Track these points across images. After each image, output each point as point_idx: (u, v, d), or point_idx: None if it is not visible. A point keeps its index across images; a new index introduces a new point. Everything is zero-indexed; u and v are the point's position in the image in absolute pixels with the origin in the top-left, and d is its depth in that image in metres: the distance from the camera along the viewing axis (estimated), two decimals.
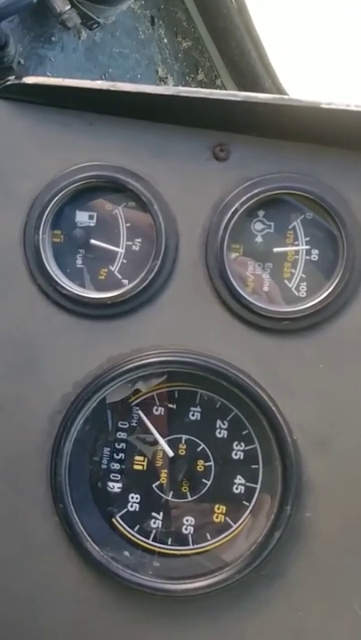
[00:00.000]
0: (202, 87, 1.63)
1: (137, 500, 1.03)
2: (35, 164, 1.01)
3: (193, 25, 1.57)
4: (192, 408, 1.03)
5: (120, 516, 1.03)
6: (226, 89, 1.63)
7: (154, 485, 1.03)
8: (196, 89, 0.94)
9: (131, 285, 1.00)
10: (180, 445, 1.03)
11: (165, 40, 1.53)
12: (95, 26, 1.27)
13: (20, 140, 1.01)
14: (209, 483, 1.02)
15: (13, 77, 0.99)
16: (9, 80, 0.98)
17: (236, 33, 1.39)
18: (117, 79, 1.39)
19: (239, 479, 1.02)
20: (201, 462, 1.02)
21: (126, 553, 1.01)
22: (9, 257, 1.01)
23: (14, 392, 1.01)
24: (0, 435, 1.01)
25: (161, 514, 1.03)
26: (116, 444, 1.04)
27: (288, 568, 0.98)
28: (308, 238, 1.00)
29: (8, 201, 1.01)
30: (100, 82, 0.96)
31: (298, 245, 1.00)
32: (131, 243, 1.03)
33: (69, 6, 1.15)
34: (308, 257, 1.00)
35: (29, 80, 0.98)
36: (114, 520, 1.03)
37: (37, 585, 1.01)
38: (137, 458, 1.04)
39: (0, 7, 1.01)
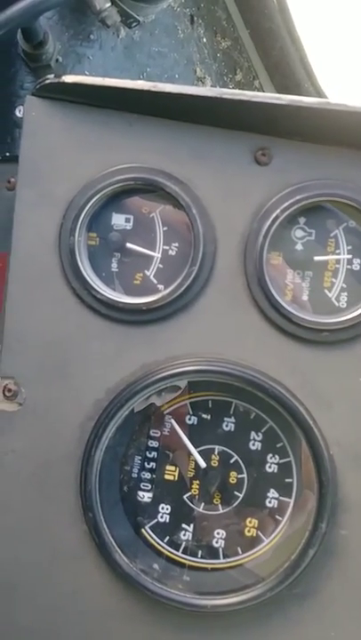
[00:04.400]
0: (240, 88, 1.60)
1: (167, 511, 1.01)
2: (72, 164, 0.99)
3: (232, 24, 1.55)
4: (226, 418, 1.00)
5: (150, 527, 1.01)
6: (264, 90, 1.60)
7: (185, 496, 1.01)
8: (239, 91, 0.92)
9: (167, 291, 0.97)
10: (213, 456, 1.00)
11: (204, 39, 1.50)
12: (135, 24, 1.25)
13: (57, 139, 1.00)
14: (241, 495, 1.00)
15: (52, 76, 0.97)
16: (48, 79, 0.96)
17: (280, 33, 1.36)
18: (155, 78, 1.37)
19: (272, 493, 0.99)
20: (234, 474, 1.00)
21: (155, 565, 0.99)
22: (44, 259, 0.99)
23: (46, 397, 0.99)
24: (31, 440, 0.99)
25: (191, 526, 1.01)
26: (147, 453, 1.02)
27: (321, 587, 0.95)
28: (349, 247, 0.98)
29: (44, 202, 0.99)
30: (140, 82, 0.94)
31: (339, 254, 0.97)
32: (167, 247, 1.01)
33: (109, 4, 1.13)
34: (349, 266, 0.97)
35: (69, 79, 0.96)
36: (143, 531, 1.01)
37: (64, 594, 0.99)
38: (168, 468, 1.01)
39: (39, 0, 0.99)
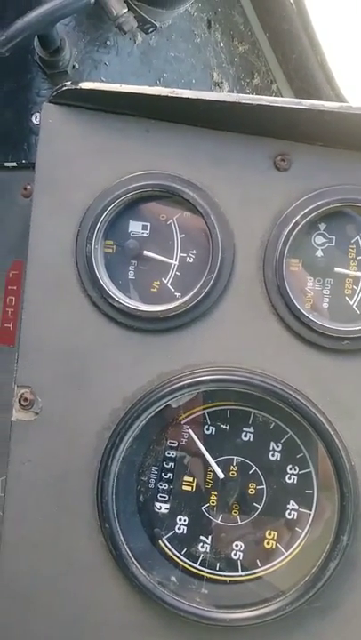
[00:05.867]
0: (257, 92, 1.58)
1: (185, 523, 1.00)
2: (89, 171, 0.99)
3: (250, 28, 1.53)
4: (245, 428, 0.99)
5: (167, 539, 1.00)
6: (282, 94, 1.59)
7: (203, 507, 0.99)
8: (258, 96, 0.90)
9: (184, 299, 0.96)
10: (232, 467, 0.99)
11: (221, 44, 1.49)
12: (151, 29, 1.24)
13: (74, 146, 0.99)
14: (260, 507, 0.98)
15: (69, 83, 0.96)
16: (65, 85, 0.96)
17: (299, 37, 1.35)
18: (172, 84, 1.36)
19: (292, 504, 0.97)
20: (252, 485, 0.98)
21: (173, 577, 0.97)
22: (60, 267, 0.98)
23: (62, 406, 0.98)
24: (47, 449, 0.98)
25: (210, 537, 0.99)
26: (164, 464, 1.00)
27: (342, 601, 0.93)
28: None
29: (61, 209, 0.99)
30: (158, 88, 0.93)
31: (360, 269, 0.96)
32: (185, 254, 0.99)
33: (126, 9, 1.12)
34: None
35: (86, 85, 0.95)
36: (160, 542, 1.00)
37: (81, 606, 0.98)
38: (186, 478, 1.00)
39: (57, 7, 0.99)
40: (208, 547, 0.99)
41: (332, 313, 0.96)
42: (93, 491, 0.97)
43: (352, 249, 0.96)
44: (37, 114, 1.15)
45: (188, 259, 0.99)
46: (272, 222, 0.95)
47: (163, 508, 1.00)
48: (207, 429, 1.00)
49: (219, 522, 0.99)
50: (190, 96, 0.92)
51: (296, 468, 0.97)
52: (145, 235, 1.00)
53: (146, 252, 1.00)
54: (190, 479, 1.00)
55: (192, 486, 1.00)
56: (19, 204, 1.13)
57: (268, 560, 0.98)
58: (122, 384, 0.97)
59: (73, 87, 0.96)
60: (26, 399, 0.98)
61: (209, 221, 0.95)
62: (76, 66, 1.19)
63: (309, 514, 0.97)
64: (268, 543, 0.98)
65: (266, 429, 0.98)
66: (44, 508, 0.99)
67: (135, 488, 1.00)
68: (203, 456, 0.99)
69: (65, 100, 0.98)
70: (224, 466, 0.99)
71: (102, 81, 1.22)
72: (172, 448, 1.00)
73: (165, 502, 1.00)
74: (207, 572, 0.99)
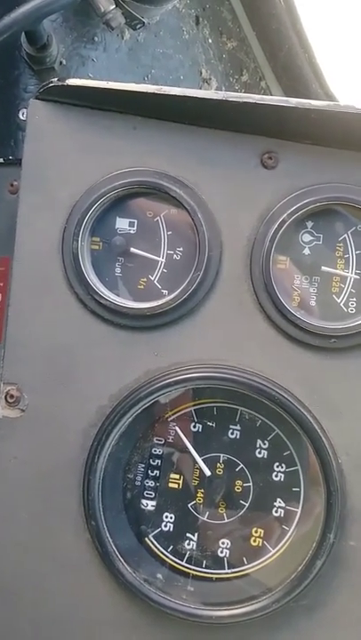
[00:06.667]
0: (246, 89, 1.58)
1: (171, 520, 0.99)
2: (75, 168, 0.98)
3: (238, 25, 1.53)
4: (231, 426, 0.99)
5: (153, 536, 0.99)
6: (271, 91, 1.59)
7: (189, 505, 0.99)
8: (246, 94, 0.90)
9: (171, 296, 0.96)
10: (218, 464, 0.99)
11: (210, 40, 1.48)
12: (139, 26, 1.23)
13: (60, 143, 0.98)
14: (247, 504, 0.98)
15: (56, 79, 0.95)
16: (51, 82, 0.95)
17: (287, 35, 1.34)
18: (160, 80, 1.36)
19: (279, 502, 0.97)
20: (239, 483, 0.98)
21: (159, 575, 0.97)
22: (46, 264, 0.98)
23: (48, 403, 0.98)
24: (33, 447, 0.98)
25: (196, 535, 0.99)
26: (151, 461, 1.00)
27: (330, 599, 0.93)
28: (358, 252, 0.96)
29: (47, 206, 0.98)
30: (145, 85, 0.93)
31: (347, 267, 0.96)
32: (172, 252, 0.99)
33: (114, 6, 1.12)
34: (358, 271, 0.96)
35: (73, 82, 0.94)
36: (147, 539, 0.99)
37: (67, 604, 0.97)
38: (172, 476, 1.00)
39: (44, 3, 0.98)
40: (194, 544, 0.99)
41: (320, 311, 0.96)
42: (79, 488, 0.96)
43: (339, 247, 0.96)
44: (24, 110, 1.15)
45: (175, 256, 0.99)
46: (259, 220, 0.95)
47: (149, 505, 1.00)
48: (194, 427, 0.99)
49: (205, 519, 0.99)
50: (178, 93, 0.92)
51: (283, 465, 0.98)
52: (132, 232, 1.00)
53: (133, 249, 0.99)
54: (177, 476, 1.00)
55: (178, 483, 1.00)
56: (5, 201, 1.12)
57: (255, 557, 0.98)
58: (108, 381, 0.97)
59: (60, 84, 0.95)
60: (12, 396, 0.98)
61: (196, 219, 0.95)
62: (64, 62, 1.18)
63: (296, 511, 0.97)
64: (254, 541, 0.98)
65: (253, 427, 0.98)
66: (29, 505, 0.98)
67: (121, 485, 1.00)
68: (189, 453, 0.99)
69: (52, 96, 0.97)
70: (211, 463, 0.99)
71: (90, 77, 1.22)
72: (158, 445, 1.00)
73: (152, 499, 1.00)
74: (193, 570, 0.98)
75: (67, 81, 0.95)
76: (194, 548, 0.99)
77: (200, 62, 1.48)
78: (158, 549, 0.99)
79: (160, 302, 0.96)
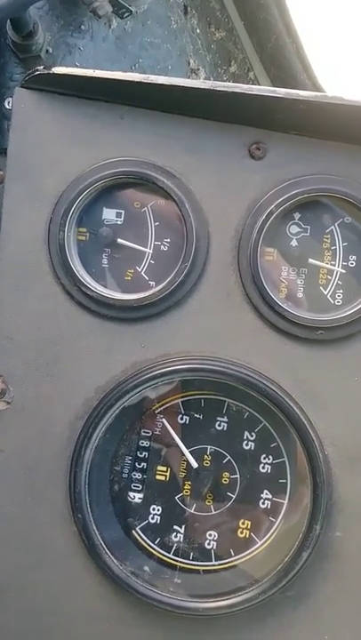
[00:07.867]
0: (234, 79, 1.57)
1: (158, 512, 0.99)
2: (62, 157, 0.97)
3: (227, 15, 1.51)
4: (219, 418, 0.99)
5: (140, 528, 0.99)
6: (259, 82, 1.57)
7: (176, 497, 0.99)
8: (234, 84, 0.89)
9: (158, 288, 0.95)
10: (205, 456, 0.99)
11: (198, 30, 1.47)
12: (127, 14, 1.22)
13: (47, 132, 0.97)
14: (234, 496, 0.98)
15: (42, 67, 0.94)
16: (37, 70, 0.94)
17: (276, 25, 1.33)
18: (148, 70, 1.34)
19: (266, 494, 0.97)
20: (226, 475, 0.98)
21: (146, 567, 0.97)
22: (33, 255, 0.97)
23: (34, 394, 0.97)
24: (19, 439, 0.97)
25: (183, 527, 0.99)
26: (138, 453, 1.00)
27: (315, 589, 0.94)
28: (345, 243, 0.96)
29: (33, 196, 0.97)
30: (132, 74, 0.92)
31: (334, 259, 0.95)
32: (159, 243, 0.98)
33: None
34: (345, 263, 0.95)
35: (58, 70, 0.93)
36: (134, 532, 0.99)
37: (53, 596, 0.97)
38: (160, 468, 1.00)
39: None
40: (182, 536, 0.99)
41: (307, 303, 0.96)
42: (66, 480, 0.96)
43: (327, 239, 0.96)
44: (10, 99, 1.13)
45: (162, 247, 0.98)
46: (247, 211, 0.95)
47: (136, 497, 1.00)
48: (181, 419, 0.99)
49: (192, 511, 0.99)
50: (165, 82, 0.91)
51: (270, 457, 0.98)
52: (119, 222, 0.99)
53: (120, 240, 0.99)
54: (164, 469, 0.99)
55: (166, 476, 0.99)
56: None
57: (242, 549, 0.98)
58: (95, 373, 0.97)
59: (46, 72, 0.94)
60: None
61: (183, 209, 0.94)
62: (50, 50, 1.17)
63: (283, 503, 0.97)
64: (241, 532, 0.98)
65: (240, 419, 0.98)
66: (16, 497, 0.98)
67: (108, 478, 0.99)
68: (177, 445, 0.98)
69: (38, 84, 0.96)
70: (198, 455, 0.98)
71: (76, 66, 1.20)
72: (145, 437, 1.00)
73: (139, 492, 1.00)
74: (181, 562, 0.98)
75: (53, 69, 0.94)
76: (181, 540, 0.99)
77: (188, 52, 1.47)
78: (145, 542, 0.99)
79: (147, 294, 0.95)
